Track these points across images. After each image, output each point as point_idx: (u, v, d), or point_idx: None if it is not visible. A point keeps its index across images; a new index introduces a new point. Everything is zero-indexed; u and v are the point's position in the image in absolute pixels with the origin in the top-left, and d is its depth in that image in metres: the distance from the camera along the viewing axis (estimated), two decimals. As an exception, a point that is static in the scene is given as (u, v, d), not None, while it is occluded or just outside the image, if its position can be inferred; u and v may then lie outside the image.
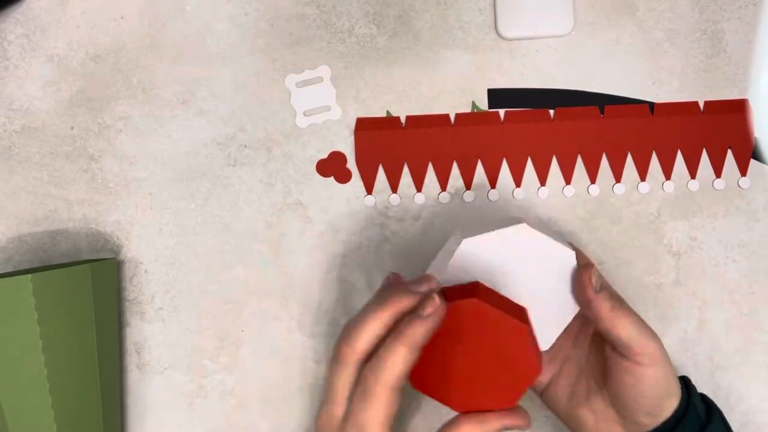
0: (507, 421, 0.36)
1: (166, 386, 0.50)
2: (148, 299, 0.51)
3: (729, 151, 0.50)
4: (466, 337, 0.35)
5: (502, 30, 0.51)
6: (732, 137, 0.50)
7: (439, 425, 0.37)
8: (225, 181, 0.51)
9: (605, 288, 0.38)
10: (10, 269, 0.51)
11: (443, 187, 0.51)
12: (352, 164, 0.51)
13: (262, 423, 0.50)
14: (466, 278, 0.39)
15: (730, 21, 0.51)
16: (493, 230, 0.39)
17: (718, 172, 0.50)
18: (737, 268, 0.49)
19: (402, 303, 0.35)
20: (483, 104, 0.51)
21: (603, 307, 0.37)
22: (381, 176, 0.51)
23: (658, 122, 0.50)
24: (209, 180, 0.51)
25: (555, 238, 0.39)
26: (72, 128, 0.52)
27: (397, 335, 0.34)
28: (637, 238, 0.50)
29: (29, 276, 0.40)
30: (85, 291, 0.44)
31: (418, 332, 0.34)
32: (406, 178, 0.51)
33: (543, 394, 0.43)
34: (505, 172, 0.51)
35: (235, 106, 0.52)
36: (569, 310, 0.40)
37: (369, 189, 0.51)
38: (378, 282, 0.50)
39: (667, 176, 0.50)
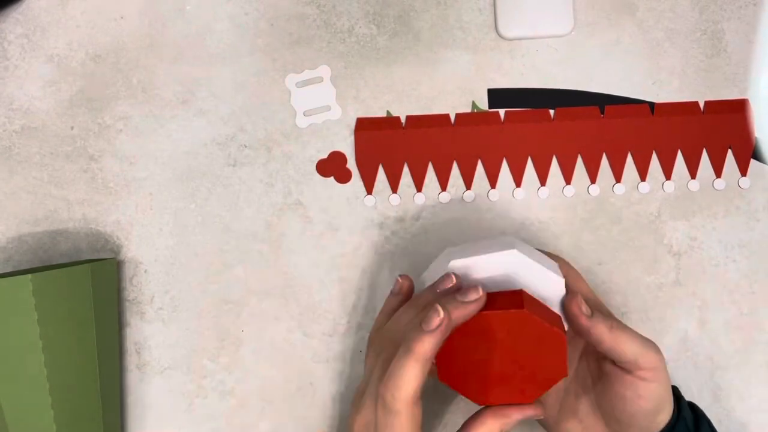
0: (527, 412, 0.37)
1: (166, 386, 0.50)
2: (148, 299, 0.51)
3: (729, 151, 0.50)
4: (503, 341, 0.36)
5: (502, 30, 0.51)
6: (732, 137, 0.50)
7: (448, 414, 0.37)
8: (225, 181, 0.51)
9: (596, 309, 0.38)
10: (10, 269, 0.51)
11: (443, 187, 0.51)
12: (352, 164, 0.51)
13: (262, 423, 0.50)
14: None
15: (730, 21, 0.51)
16: (483, 254, 0.39)
17: (718, 172, 0.50)
18: (737, 268, 0.49)
19: (456, 313, 0.36)
20: (483, 104, 0.51)
21: (602, 332, 0.37)
22: (381, 176, 0.51)
23: (658, 122, 0.50)
24: (209, 180, 0.51)
25: (543, 263, 0.39)
26: (72, 128, 0.52)
27: (408, 351, 0.34)
28: (637, 238, 0.50)
29: (29, 276, 0.40)
30: (85, 291, 0.44)
31: (427, 347, 0.34)
32: (406, 178, 0.51)
33: None
34: (505, 172, 0.51)
35: (235, 106, 0.52)
36: None
37: (369, 189, 0.51)
38: (378, 282, 0.50)
39: (668, 176, 0.50)
